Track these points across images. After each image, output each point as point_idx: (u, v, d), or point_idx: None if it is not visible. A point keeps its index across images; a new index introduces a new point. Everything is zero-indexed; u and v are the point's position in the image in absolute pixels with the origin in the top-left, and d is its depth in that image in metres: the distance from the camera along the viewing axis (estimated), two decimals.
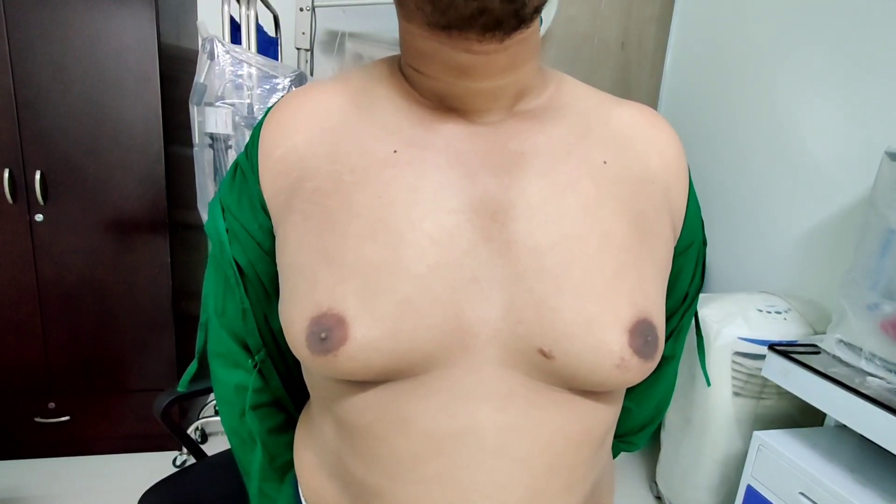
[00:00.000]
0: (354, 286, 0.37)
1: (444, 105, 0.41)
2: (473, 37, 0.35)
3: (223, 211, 0.46)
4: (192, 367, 0.52)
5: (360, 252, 0.38)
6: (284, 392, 0.53)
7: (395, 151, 0.40)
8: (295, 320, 0.39)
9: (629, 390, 0.57)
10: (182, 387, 0.52)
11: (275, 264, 0.44)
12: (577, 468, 0.42)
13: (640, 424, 0.61)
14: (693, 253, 0.50)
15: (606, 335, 0.37)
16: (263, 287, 0.47)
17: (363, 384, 0.40)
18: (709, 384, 0.61)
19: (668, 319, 0.53)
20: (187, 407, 1.94)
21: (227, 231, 0.45)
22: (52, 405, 1.73)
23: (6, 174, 1.51)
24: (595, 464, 0.44)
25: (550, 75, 0.46)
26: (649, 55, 2.17)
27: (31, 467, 1.75)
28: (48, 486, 1.68)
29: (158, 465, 1.78)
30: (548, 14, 1.84)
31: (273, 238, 0.45)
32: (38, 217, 1.57)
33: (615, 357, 0.37)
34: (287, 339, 0.40)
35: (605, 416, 0.43)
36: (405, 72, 0.43)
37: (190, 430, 1.89)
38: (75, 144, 1.54)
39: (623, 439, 0.62)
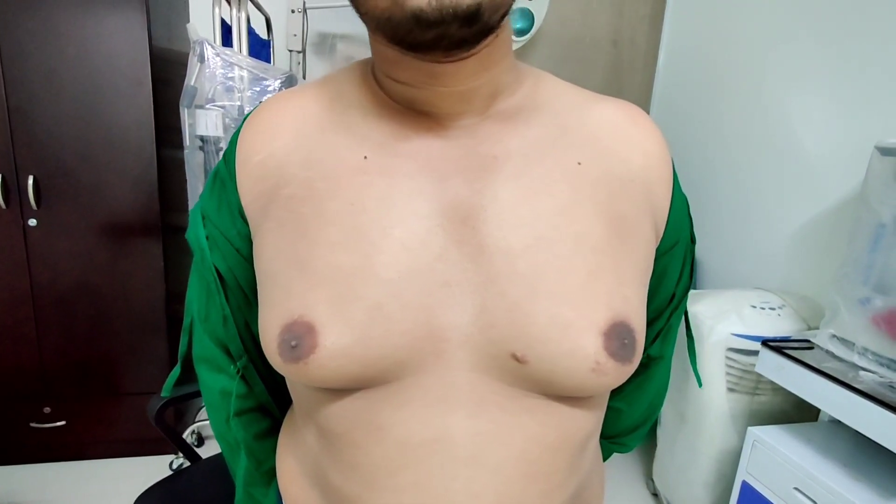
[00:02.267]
0: (325, 294, 0.37)
1: (416, 109, 0.41)
2: (438, 53, 0.35)
3: (203, 218, 0.46)
4: (175, 371, 0.52)
5: (331, 259, 0.38)
6: (269, 398, 0.53)
7: (365, 158, 0.40)
8: (268, 328, 0.39)
9: (619, 391, 0.56)
10: (166, 391, 0.52)
11: (254, 270, 0.44)
12: (555, 475, 0.41)
13: (631, 425, 0.60)
14: (679, 251, 0.49)
15: (581, 338, 0.37)
16: (244, 293, 0.47)
17: (339, 392, 0.40)
18: (700, 385, 0.60)
19: (655, 319, 0.52)
20: (183, 410, 1.93)
21: (206, 238, 0.45)
22: (47, 410, 1.72)
23: None
24: (576, 470, 0.44)
25: (526, 73, 0.45)
26: (641, 53, 2.18)
27: (26, 473, 1.75)
28: (44, 492, 1.67)
29: (155, 469, 1.77)
30: (539, 13, 1.85)
31: (252, 244, 0.45)
32: (32, 222, 1.57)
33: (590, 361, 0.37)
34: (262, 347, 0.40)
35: (585, 422, 0.43)
36: (377, 76, 0.43)
37: (186, 434, 1.88)
38: (68, 149, 1.54)
39: (614, 441, 0.61)
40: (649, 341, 0.53)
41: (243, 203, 0.43)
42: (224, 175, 0.45)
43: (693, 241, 0.51)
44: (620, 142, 0.44)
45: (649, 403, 0.58)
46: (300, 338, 0.37)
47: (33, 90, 1.49)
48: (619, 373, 0.38)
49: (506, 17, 0.36)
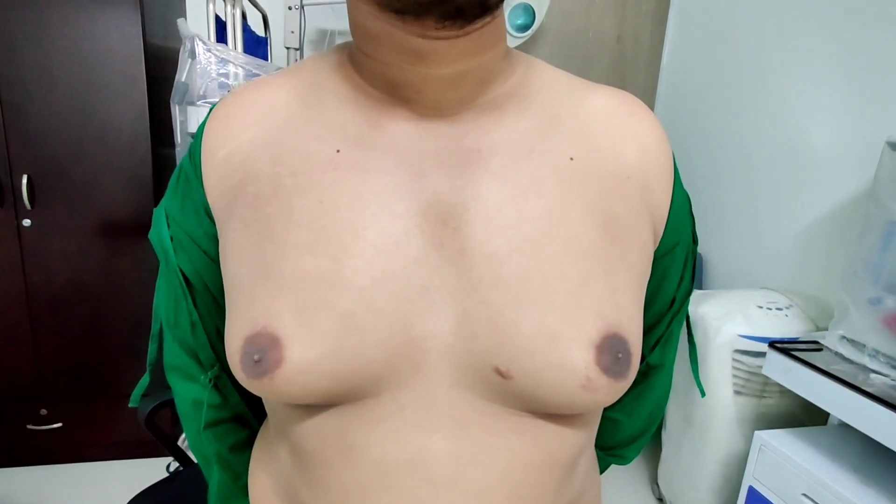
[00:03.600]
0: (291, 302, 0.34)
1: (396, 95, 0.37)
2: (431, 23, 0.31)
3: (167, 218, 0.43)
4: (144, 380, 0.49)
5: (298, 264, 0.35)
6: (246, 408, 0.50)
7: (337, 151, 0.37)
8: (231, 339, 0.36)
9: (617, 401, 0.53)
10: (134, 402, 0.50)
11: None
12: (543, 497, 0.38)
13: (630, 437, 0.56)
14: (680, 253, 0.46)
15: (570, 352, 0.34)
16: (213, 298, 0.44)
17: (310, 407, 0.37)
18: (703, 395, 0.57)
19: (654, 326, 0.49)
20: None
21: (171, 239, 0.42)
22: (43, 412, 1.71)
23: None
24: (566, 489, 0.41)
25: (518, 59, 0.41)
26: (646, 49, 2.14)
27: (23, 475, 1.74)
28: (41, 494, 1.66)
29: (152, 472, 1.75)
30: (541, 8, 1.81)
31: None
32: (26, 222, 1.55)
33: (580, 377, 0.34)
34: (227, 359, 0.37)
35: (575, 440, 0.39)
36: (355, 58, 0.39)
37: (182, 437, 1.86)
38: (62, 147, 1.52)
39: (612, 452, 0.58)
40: (649, 348, 0.49)
41: (209, 200, 0.40)
42: (189, 171, 0.41)
43: (695, 241, 0.48)
44: (615, 134, 0.40)
45: (649, 414, 0.55)
46: (264, 351, 0.34)
47: (27, 88, 1.47)
48: (612, 390, 0.35)
49: (503, 1, 0.33)
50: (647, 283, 0.41)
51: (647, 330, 0.48)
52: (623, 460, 0.58)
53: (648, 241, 0.40)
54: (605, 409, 0.52)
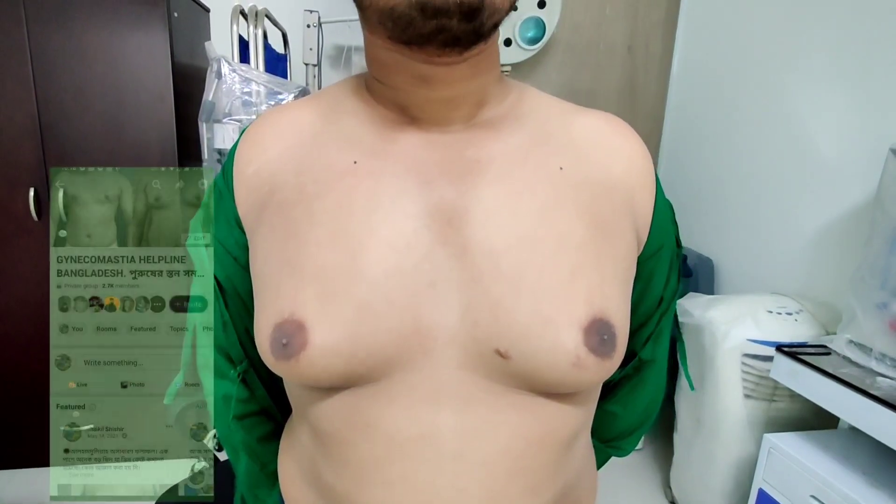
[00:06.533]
0: (314, 292, 0.39)
1: (406, 115, 0.43)
2: (433, 51, 0.37)
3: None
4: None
5: (319, 258, 0.40)
6: (271, 402, 0.55)
7: (355, 162, 0.42)
8: (261, 328, 0.41)
9: (613, 394, 0.57)
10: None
11: (251, 279, 0.47)
12: (540, 470, 0.42)
13: (627, 429, 0.60)
14: (665, 256, 0.51)
15: (561, 334, 0.38)
16: (243, 301, 0.49)
17: (329, 390, 0.41)
18: (692, 388, 0.61)
19: (644, 324, 0.53)
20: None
21: (205, 248, 0.49)
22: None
23: (31, 193, 1.58)
24: (563, 467, 0.45)
25: (512, 86, 0.47)
26: (656, 59, 2.17)
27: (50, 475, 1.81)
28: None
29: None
30: (551, 21, 1.86)
31: (249, 253, 0.47)
32: (63, 233, 1.63)
33: (571, 356, 0.38)
34: (257, 347, 0.42)
35: (571, 419, 0.43)
36: (370, 85, 0.45)
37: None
38: (96, 163, 1.60)
39: (611, 444, 0.62)
40: (640, 344, 0.54)
41: (240, 213, 0.46)
42: (222, 186, 0.47)
43: (679, 245, 0.52)
44: (602, 150, 0.45)
45: (644, 407, 0.59)
46: (291, 336, 0.39)
47: (63, 107, 1.56)
48: (600, 368, 0.39)
49: (496, 29, 0.38)
50: (633, 278, 0.46)
51: (638, 327, 0.52)
52: (621, 452, 0.62)
53: (632, 243, 0.45)
54: (603, 403, 0.56)
